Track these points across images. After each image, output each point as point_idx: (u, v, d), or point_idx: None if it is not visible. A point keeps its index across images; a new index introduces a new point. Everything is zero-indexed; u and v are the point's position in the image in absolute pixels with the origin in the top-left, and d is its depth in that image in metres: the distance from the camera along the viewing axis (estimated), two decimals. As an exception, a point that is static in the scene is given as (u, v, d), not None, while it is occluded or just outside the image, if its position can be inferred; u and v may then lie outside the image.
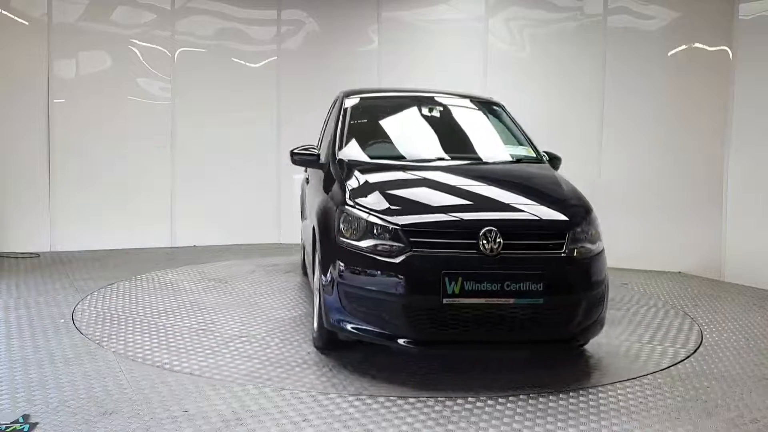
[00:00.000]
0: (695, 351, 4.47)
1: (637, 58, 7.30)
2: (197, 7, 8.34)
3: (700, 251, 7.04)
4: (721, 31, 6.79)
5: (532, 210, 4.03)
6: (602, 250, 4.01)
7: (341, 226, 3.90)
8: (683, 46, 7.10)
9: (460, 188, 4.20)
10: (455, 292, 3.57)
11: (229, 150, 8.39)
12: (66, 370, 3.79)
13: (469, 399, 3.52)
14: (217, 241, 8.29)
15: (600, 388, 3.73)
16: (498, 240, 3.64)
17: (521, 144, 5.01)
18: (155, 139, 8.12)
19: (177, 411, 3.25)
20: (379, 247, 3.73)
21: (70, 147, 7.65)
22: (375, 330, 3.75)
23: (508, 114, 5.29)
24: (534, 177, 4.54)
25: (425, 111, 5.34)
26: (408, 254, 3.66)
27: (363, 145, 4.82)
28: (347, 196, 4.03)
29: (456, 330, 3.65)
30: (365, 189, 4.08)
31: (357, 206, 3.91)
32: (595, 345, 4.52)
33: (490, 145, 5.06)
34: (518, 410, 3.39)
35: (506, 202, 4.11)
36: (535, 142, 5.04)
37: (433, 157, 4.70)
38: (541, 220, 3.95)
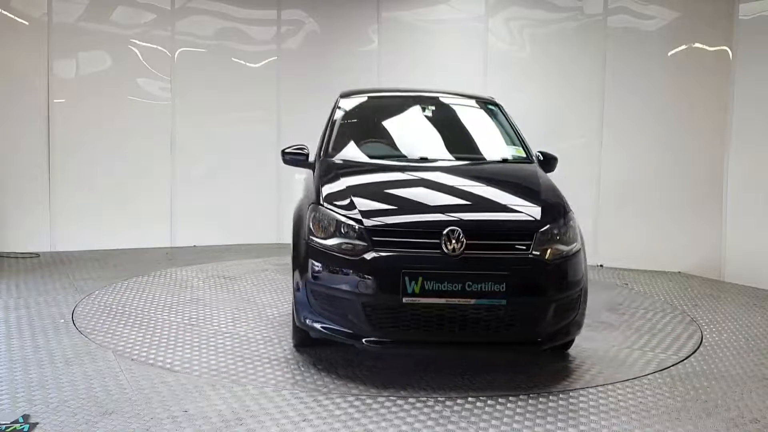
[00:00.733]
0: (695, 351, 4.47)
1: (637, 58, 7.30)
2: (197, 7, 8.34)
3: (700, 251, 7.04)
4: (721, 31, 6.80)
5: (500, 210, 4.00)
6: (578, 252, 3.91)
7: (311, 224, 3.93)
8: (683, 46, 7.10)
9: (432, 188, 4.20)
10: (415, 292, 3.54)
11: (229, 150, 8.39)
12: (66, 370, 3.79)
13: (469, 399, 3.52)
14: (217, 241, 8.29)
15: (600, 388, 3.73)
16: (461, 240, 3.60)
17: (513, 144, 4.97)
18: (155, 139, 8.13)
19: (177, 411, 3.25)
20: (344, 246, 3.74)
21: (70, 147, 7.65)
22: (340, 329, 3.75)
23: (503, 113, 5.25)
24: (514, 177, 4.48)
25: (422, 111, 5.33)
26: (370, 253, 3.66)
27: (348, 145, 4.85)
28: (320, 194, 4.06)
29: (417, 330, 3.62)
30: (338, 188, 4.09)
31: (327, 205, 3.94)
32: (595, 345, 4.52)
33: (478, 145, 5.02)
34: (518, 410, 3.39)
35: (476, 202, 4.07)
36: (528, 142, 4.99)
37: (416, 158, 4.67)
38: (507, 221, 3.91)
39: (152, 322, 4.85)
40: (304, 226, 3.99)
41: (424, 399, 3.50)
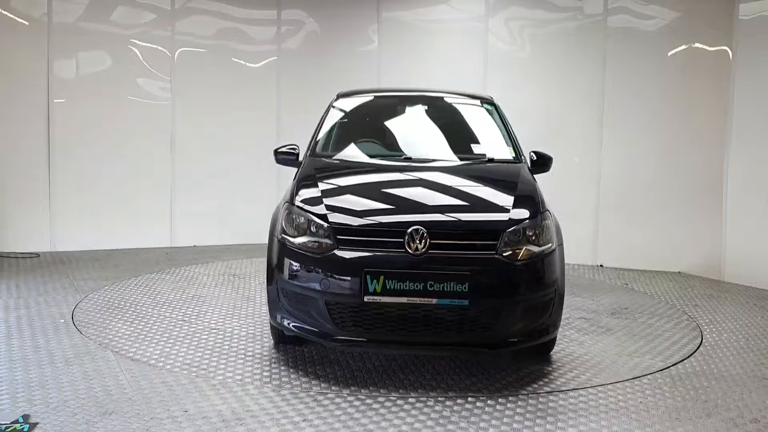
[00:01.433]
0: (695, 351, 4.47)
1: (637, 58, 7.30)
2: (197, 7, 8.33)
3: (700, 251, 7.04)
4: (721, 31, 6.80)
5: (469, 211, 3.96)
6: (552, 252, 3.84)
7: (284, 222, 3.95)
8: (683, 46, 7.10)
9: (405, 188, 4.21)
10: (377, 291, 3.53)
11: (229, 150, 8.39)
12: (66, 370, 3.79)
13: (469, 399, 3.52)
14: (217, 241, 8.29)
15: (600, 388, 3.73)
16: (425, 240, 3.59)
17: (503, 143, 4.91)
18: (155, 139, 8.12)
19: (177, 411, 3.25)
20: (310, 244, 3.76)
21: (70, 147, 7.64)
22: (308, 328, 3.77)
23: (498, 112, 5.21)
24: (493, 177, 4.42)
25: (411, 111, 5.33)
26: (334, 251, 3.67)
27: (333, 145, 4.90)
28: (294, 193, 4.08)
29: (381, 329, 3.62)
30: (312, 187, 4.10)
31: (299, 204, 3.96)
32: (595, 345, 4.53)
33: (465, 145, 4.98)
34: (518, 410, 3.39)
35: (446, 203, 4.03)
36: (519, 142, 4.94)
37: (401, 157, 4.69)
38: (473, 221, 3.87)
39: (152, 322, 4.85)
40: (278, 223, 4.02)
41: (424, 399, 3.51)
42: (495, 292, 3.64)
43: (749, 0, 6.56)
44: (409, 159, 4.62)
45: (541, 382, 3.80)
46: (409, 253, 3.59)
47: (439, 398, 3.52)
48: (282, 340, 4.31)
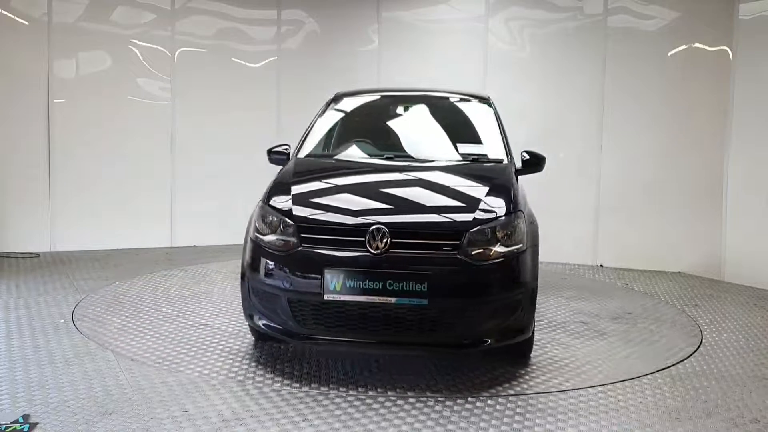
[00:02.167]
0: (695, 351, 4.47)
1: (637, 58, 7.30)
2: (197, 7, 8.34)
3: (700, 251, 7.04)
4: (721, 31, 6.80)
5: (434, 211, 3.92)
6: (522, 253, 3.75)
7: (256, 221, 3.99)
8: (683, 47, 7.10)
9: (375, 188, 4.23)
10: (336, 289, 3.54)
11: (229, 150, 8.39)
12: (66, 370, 3.79)
13: (469, 399, 3.52)
14: (217, 241, 8.28)
15: (600, 388, 3.73)
16: (385, 239, 3.58)
17: (491, 143, 4.86)
18: (155, 139, 8.12)
19: (177, 411, 3.25)
20: (277, 243, 3.79)
21: (70, 147, 7.64)
22: (274, 326, 3.79)
23: (493, 111, 5.18)
24: (469, 177, 4.37)
25: (400, 111, 5.34)
26: (297, 250, 3.69)
27: (318, 146, 4.93)
28: (268, 193, 4.12)
29: (342, 328, 3.62)
30: (286, 186, 4.13)
31: (271, 202, 4.00)
32: (594, 345, 4.53)
33: (450, 144, 4.96)
34: (518, 410, 3.39)
35: (412, 202, 4.01)
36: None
37: (381, 157, 4.72)
38: (435, 222, 3.84)
39: (152, 322, 4.84)
40: (252, 223, 4.05)
41: (424, 399, 3.50)
42: (456, 292, 3.60)
43: (749, 0, 6.56)
44: (391, 159, 4.66)
45: (542, 383, 3.80)
46: (369, 252, 3.59)
47: (439, 398, 3.52)
48: (261, 337, 4.34)
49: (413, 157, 4.71)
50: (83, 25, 7.73)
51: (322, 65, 8.64)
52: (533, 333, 4.07)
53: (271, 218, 3.90)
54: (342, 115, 5.31)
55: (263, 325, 3.85)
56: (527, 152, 4.77)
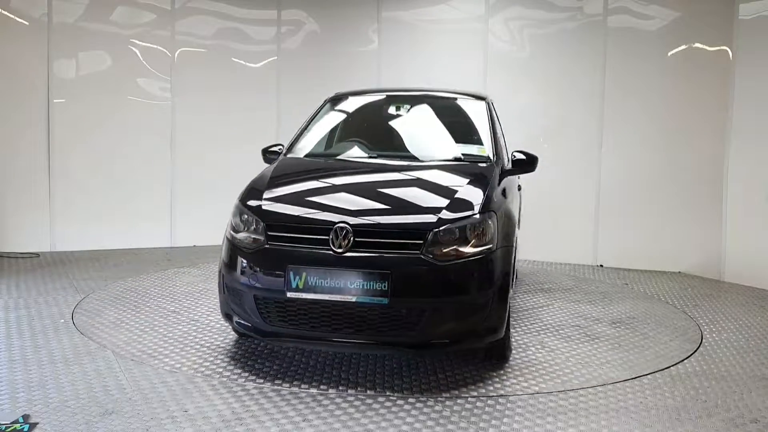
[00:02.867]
0: (695, 351, 4.47)
1: (637, 58, 7.30)
2: (197, 7, 8.33)
3: (700, 251, 7.04)
4: (721, 31, 6.80)
5: (400, 211, 3.92)
6: (491, 254, 3.72)
7: (232, 219, 4.04)
8: (683, 46, 7.10)
9: (348, 188, 4.28)
10: (299, 287, 3.56)
11: (229, 150, 8.38)
12: (66, 370, 3.79)
13: (469, 399, 3.52)
14: (218, 241, 8.21)
15: (600, 388, 3.73)
16: (348, 238, 3.60)
17: (480, 143, 4.84)
18: (155, 139, 8.12)
19: (177, 411, 3.25)
20: (246, 240, 3.84)
21: (70, 147, 7.64)
22: (244, 322, 3.82)
23: (489, 110, 5.16)
24: (445, 176, 4.35)
25: (393, 110, 5.36)
26: (262, 247, 3.74)
27: (306, 146, 4.96)
28: (246, 191, 4.18)
29: (305, 325, 3.63)
30: (261, 186, 4.19)
31: (246, 201, 4.04)
32: (594, 345, 4.53)
33: (437, 143, 4.96)
34: (518, 410, 3.39)
35: (379, 202, 4.03)
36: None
37: (364, 156, 4.78)
38: (399, 222, 3.82)
39: (152, 321, 4.84)
40: (229, 221, 4.09)
41: (424, 399, 3.51)
42: (417, 292, 3.60)
43: (749, 0, 6.56)
44: (374, 158, 4.71)
45: (542, 383, 3.80)
46: (332, 250, 3.61)
47: (439, 398, 3.52)
48: (242, 335, 4.35)
49: (397, 157, 4.74)
50: (83, 25, 7.73)
51: (322, 65, 8.64)
52: (507, 334, 4.06)
53: (244, 217, 3.95)
54: (333, 115, 5.34)
55: (236, 321, 3.88)
56: (519, 152, 4.75)
